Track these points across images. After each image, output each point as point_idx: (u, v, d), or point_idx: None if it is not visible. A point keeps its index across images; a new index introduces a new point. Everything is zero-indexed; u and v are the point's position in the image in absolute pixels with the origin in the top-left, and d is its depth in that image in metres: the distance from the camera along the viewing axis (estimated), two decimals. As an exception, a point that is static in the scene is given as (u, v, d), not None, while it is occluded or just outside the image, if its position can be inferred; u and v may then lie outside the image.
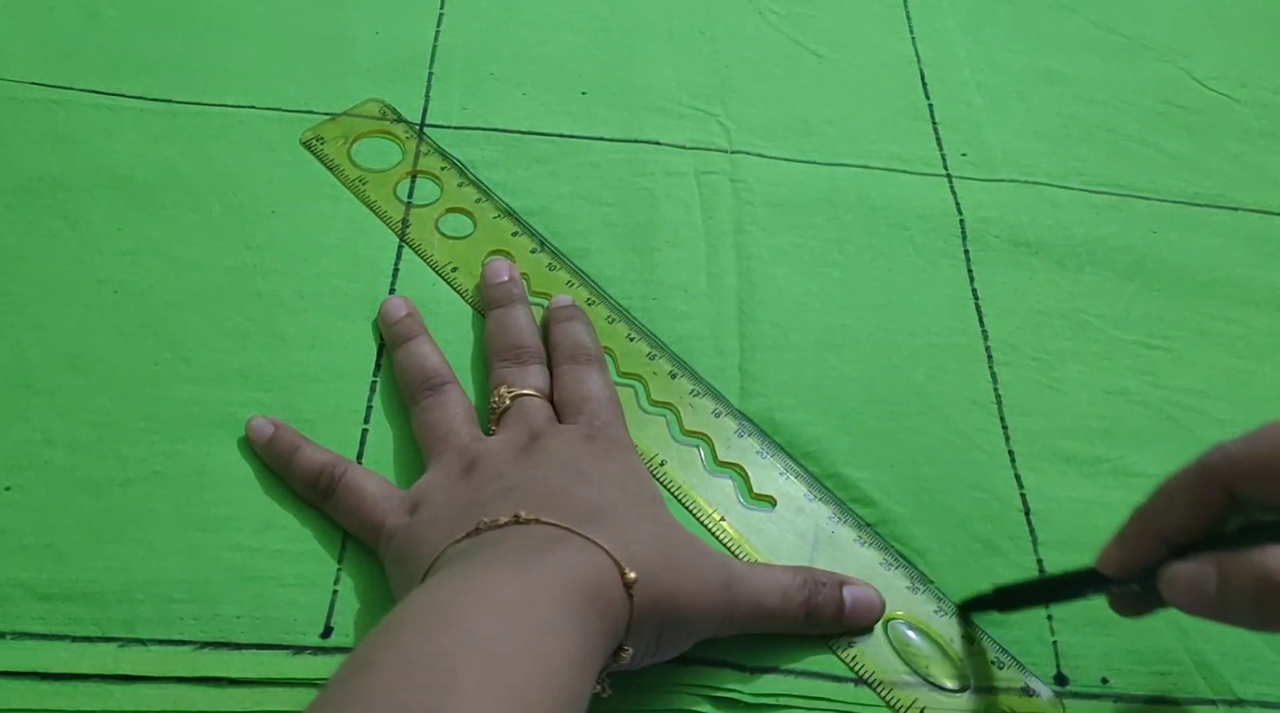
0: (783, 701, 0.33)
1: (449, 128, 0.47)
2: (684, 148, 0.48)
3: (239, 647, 0.32)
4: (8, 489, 0.34)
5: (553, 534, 0.30)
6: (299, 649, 0.32)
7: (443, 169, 0.45)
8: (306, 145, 0.45)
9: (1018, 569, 0.37)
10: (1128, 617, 0.33)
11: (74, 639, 0.32)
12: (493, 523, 0.30)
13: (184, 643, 0.32)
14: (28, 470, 0.35)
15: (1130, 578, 0.31)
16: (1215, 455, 0.28)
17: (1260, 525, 0.28)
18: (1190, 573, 0.28)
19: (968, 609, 0.36)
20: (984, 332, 0.44)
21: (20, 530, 0.34)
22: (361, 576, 0.34)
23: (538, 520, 0.30)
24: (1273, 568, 0.26)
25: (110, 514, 0.34)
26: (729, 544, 0.37)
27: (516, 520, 0.30)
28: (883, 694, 0.34)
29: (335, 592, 0.34)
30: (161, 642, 0.32)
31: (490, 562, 0.29)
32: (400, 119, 0.47)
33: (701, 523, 0.37)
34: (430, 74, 0.49)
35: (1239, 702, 0.35)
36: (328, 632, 0.33)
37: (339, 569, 0.34)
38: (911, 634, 0.35)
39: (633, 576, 0.29)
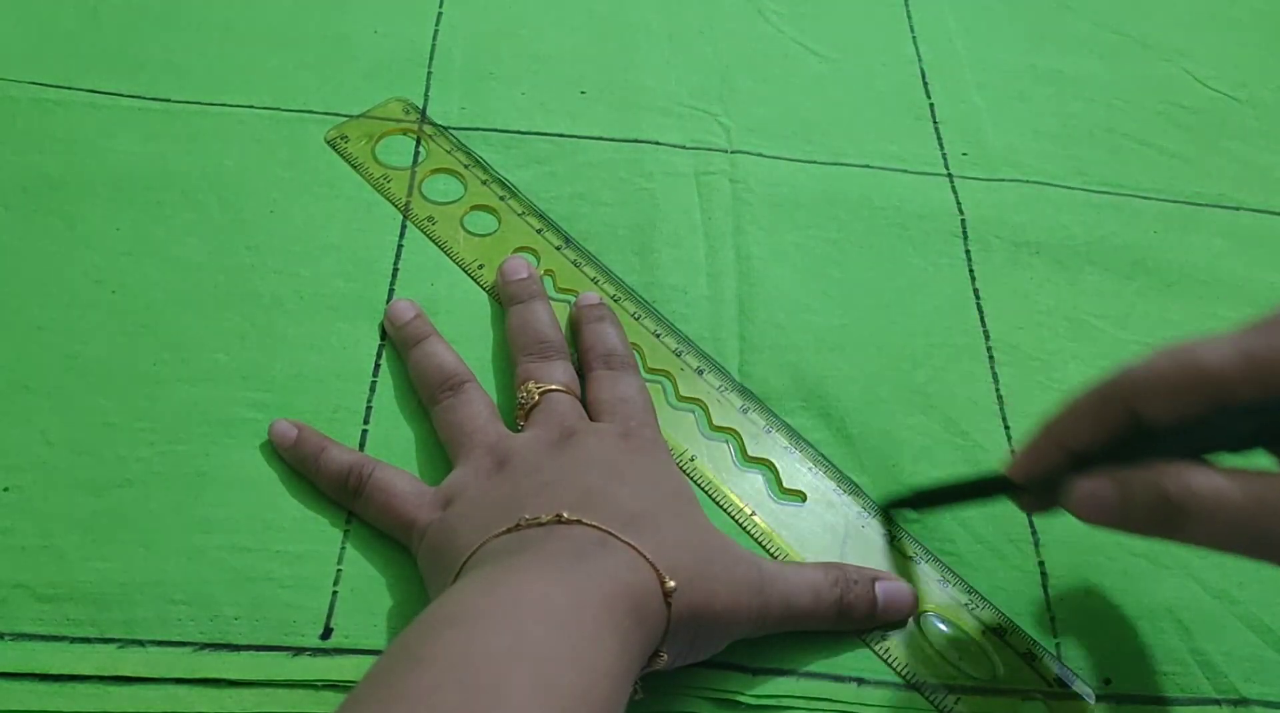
0: (784, 701, 0.33)
1: (448, 128, 0.47)
2: (684, 148, 0.48)
3: (238, 648, 0.32)
4: (7, 490, 0.34)
5: (595, 538, 0.30)
6: (298, 651, 0.32)
7: (466, 167, 0.45)
8: (331, 144, 0.45)
9: (1019, 573, 0.37)
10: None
11: (73, 640, 0.32)
12: (534, 520, 0.30)
13: (183, 644, 0.32)
14: (27, 471, 0.35)
15: (1035, 484, 0.33)
16: (1118, 375, 0.30)
17: (1155, 439, 0.29)
18: (1090, 487, 0.30)
19: (889, 508, 0.38)
20: (985, 332, 0.44)
21: (19, 531, 0.34)
22: (361, 577, 0.34)
23: (580, 522, 0.30)
24: (1166, 485, 0.28)
25: (109, 515, 0.34)
26: (760, 539, 0.37)
27: (559, 520, 0.30)
28: (917, 687, 0.34)
29: (335, 593, 0.34)
30: (161, 643, 0.32)
31: (534, 564, 0.29)
32: (424, 117, 0.47)
33: (732, 518, 0.37)
34: (429, 74, 0.49)
35: (1243, 701, 0.35)
36: (327, 633, 0.33)
37: (339, 571, 0.34)
38: (943, 627, 0.35)
39: (672, 584, 0.29)
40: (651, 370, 0.40)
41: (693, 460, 0.38)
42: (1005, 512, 0.38)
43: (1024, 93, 0.53)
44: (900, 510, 0.38)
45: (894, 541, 0.37)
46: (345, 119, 0.46)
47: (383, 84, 0.48)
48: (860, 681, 0.34)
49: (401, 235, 0.43)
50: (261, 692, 0.31)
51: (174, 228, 0.41)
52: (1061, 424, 0.32)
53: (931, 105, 0.52)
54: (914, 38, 0.55)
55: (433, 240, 0.43)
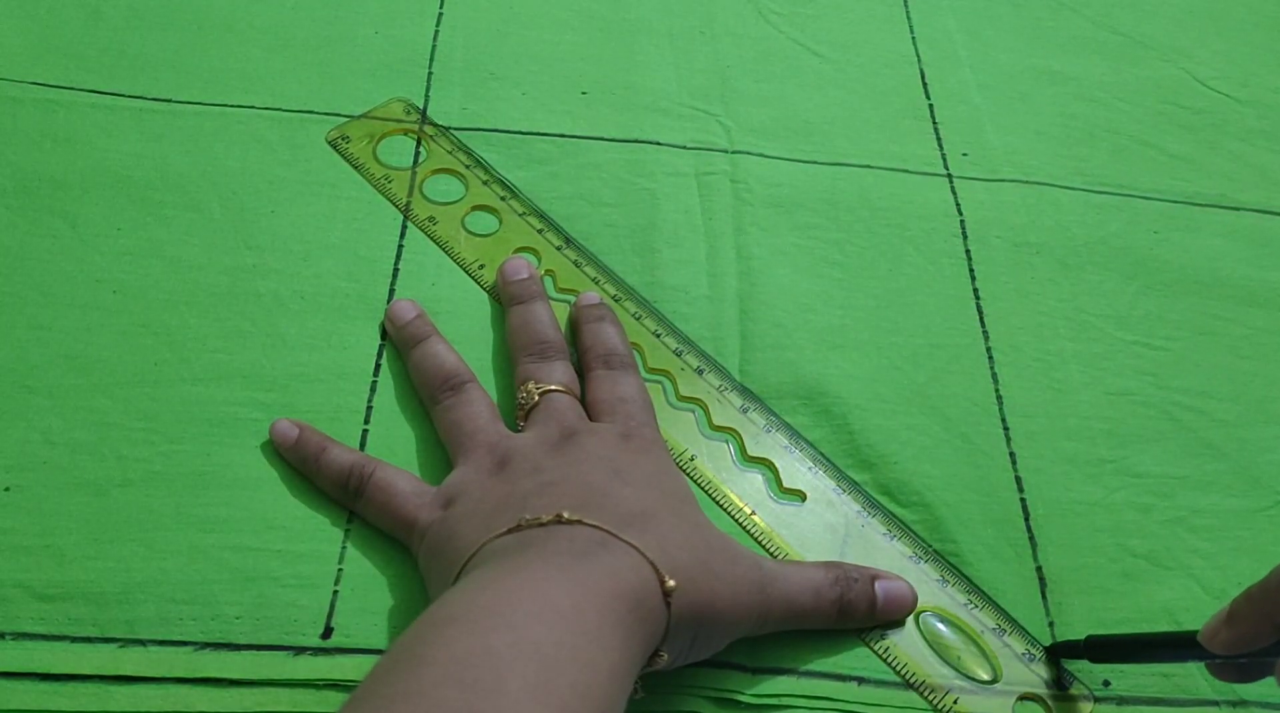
0: (784, 700, 0.33)
1: (449, 128, 0.47)
2: (684, 148, 0.48)
3: (239, 648, 0.32)
4: (8, 490, 0.34)
5: (595, 538, 0.30)
6: (299, 650, 0.32)
7: (467, 167, 0.46)
8: (332, 144, 0.45)
9: (1018, 577, 0.37)
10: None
11: (74, 640, 0.32)
12: (534, 521, 0.31)
13: (184, 644, 0.32)
14: (28, 471, 0.35)
15: (1236, 656, 0.30)
16: None
17: None
18: None
19: (1057, 654, 0.35)
20: (985, 332, 0.44)
21: (20, 531, 0.34)
22: (362, 576, 0.34)
23: (580, 522, 0.30)
24: None
25: (110, 515, 0.34)
26: (760, 538, 0.37)
27: (559, 520, 0.30)
28: (916, 687, 0.34)
29: (335, 592, 0.34)
30: (162, 642, 0.32)
31: (536, 563, 0.29)
32: (425, 118, 0.47)
33: (732, 517, 0.37)
34: (430, 74, 0.49)
35: (1241, 702, 0.35)
36: (328, 633, 0.33)
37: (339, 570, 0.34)
38: (942, 627, 0.35)
39: (672, 584, 0.29)
40: (652, 370, 0.40)
41: (693, 460, 0.38)
42: (1003, 514, 0.39)
43: (1024, 93, 0.53)
44: (1073, 660, 0.35)
45: (893, 540, 0.37)
46: (346, 119, 0.46)
47: (383, 84, 0.48)
48: (860, 680, 0.34)
49: (402, 235, 0.43)
50: (262, 691, 0.31)
51: (175, 228, 0.42)
52: (1268, 592, 0.28)
53: (931, 105, 0.52)
54: (914, 38, 0.55)
55: (434, 240, 0.43)
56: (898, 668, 0.34)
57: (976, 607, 0.36)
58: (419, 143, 0.46)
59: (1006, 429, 0.41)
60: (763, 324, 0.42)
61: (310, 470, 0.36)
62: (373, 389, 0.38)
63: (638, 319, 0.42)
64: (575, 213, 0.45)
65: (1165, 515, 0.39)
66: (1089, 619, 0.36)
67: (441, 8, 0.52)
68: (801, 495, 0.38)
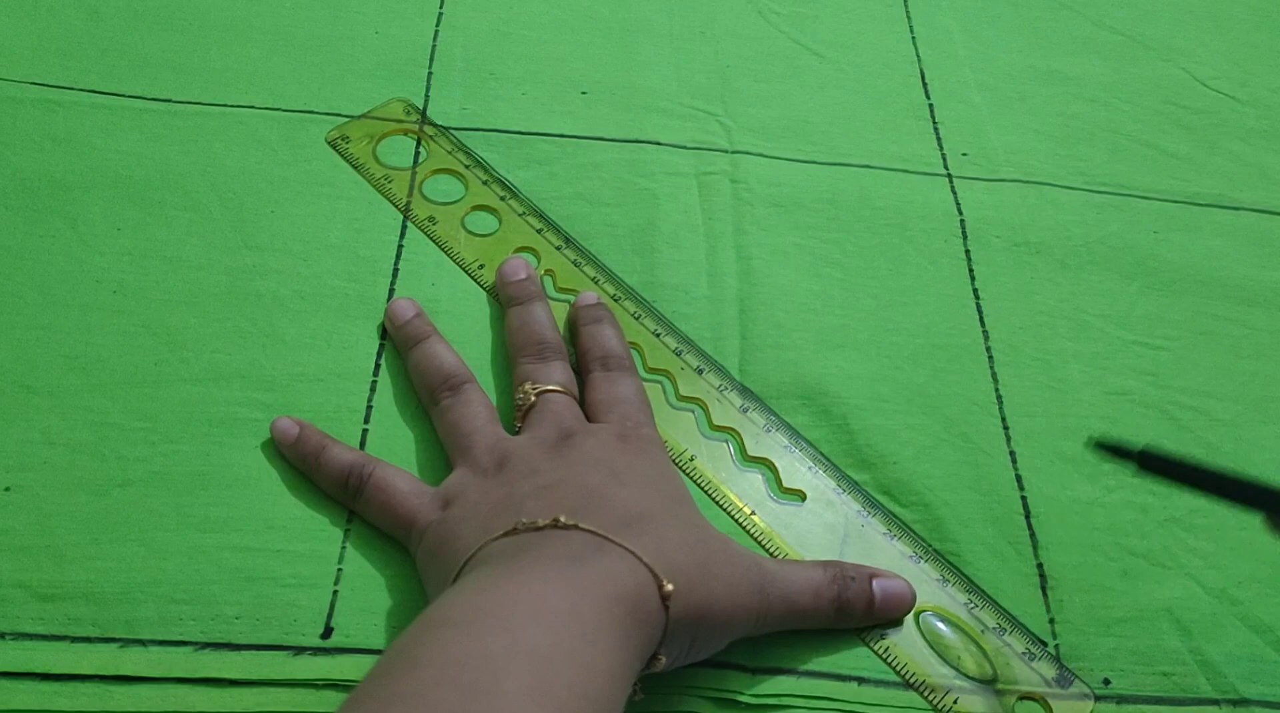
0: (784, 700, 0.33)
1: (449, 128, 0.47)
2: (684, 148, 0.48)
3: (239, 648, 0.32)
4: (8, 490, 0.34)
5: (592, 542, 0.30)
6: (299, 650, 0.32)
7: (467, 167, 0.46)
8: (332, 144, 0.45)
9: (1018, 574, 0.37)
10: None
11: (74, 640, 0.32)
12: (531, 524, 0.31)
13: (184, 644, 0.32)
14: (28, 471, 0.35)
15: None
16: None
17: None
18: None
19: (1103, 447, 0.32)
20: (985, 332, 0.44)
21: (20, 531, 0.34)
22: (362, 576, 0.34)
23: (577, 526, 0.30)
24: None
25: (110, 515, 0.34)
26: (759, 538, 0.37)
27: (556, 524, 0.30)
28: (916, 687, 0.34)
29: (335, 592, 0.34)
30: (161, 642, 0.32)
31: (533, 567, 0.29)
32: (425, 118, 0.47)
33: (732, 517, 0.37)
34: (430, 74, 0.49)
35: (1242, 702, 0.35)
36: (328, 633, 0.33)
37: (339, 570, 0.34)
38: (942, 627, 0.35)
39: (669, 587, 0.29)
40: (651, 370, 0.40)
41: (692, 460, 0.38)
42: (1003, 512, 0.39)
43: (1024, 93, 0.53)
44: (1113, 457, 0.32)
45: (893, 540, 0.37)
46: (346, 119, 0.46)
47: (384, 84, 0.48)
48: (860, 679, 0.34)
49: (402, 235, 0.43)
50: (262, 691, 0.31)
51: (175, 228, 0.42)
52: None
53: (931, 105, 0.52)
54: (914, 38, 0.55)
55: (433, 240, 0.43)
56: (898, 668, 0.34)
57: (977, 606, 0.36)
58: (419, 143, 0.46)
59: (1006, 429, 0.41)
60: (763, 324, 0.42)
61: (310, 469, 0.36)
62: (373, 389, 0.38)
63: (637, 319, 0.42)
64: (575, 213, 0.45)
65: (1162, 515, 0.39)
66: (1089, 618, 0.36)
67: (441, 8, 0.52)
68: (801, 495, 0.38)
